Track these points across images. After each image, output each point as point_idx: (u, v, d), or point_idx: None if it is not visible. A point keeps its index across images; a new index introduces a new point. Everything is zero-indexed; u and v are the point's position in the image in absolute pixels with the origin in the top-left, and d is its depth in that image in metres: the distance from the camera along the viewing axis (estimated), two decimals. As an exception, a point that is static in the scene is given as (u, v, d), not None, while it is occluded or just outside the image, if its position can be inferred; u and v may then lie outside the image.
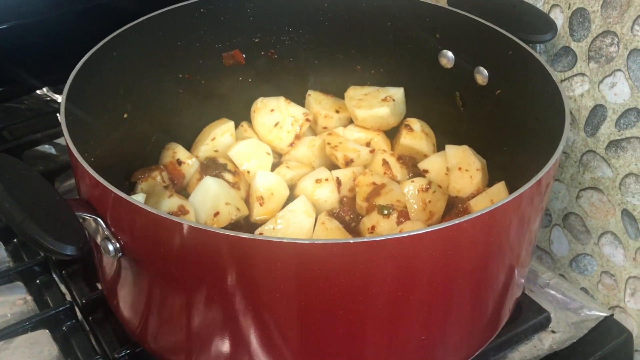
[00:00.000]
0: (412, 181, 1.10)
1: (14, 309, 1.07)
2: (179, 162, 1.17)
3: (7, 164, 0.83)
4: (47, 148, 1.38)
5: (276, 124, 1.21)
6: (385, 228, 1.05)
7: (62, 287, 1.10)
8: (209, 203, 1.07)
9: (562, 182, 1.18)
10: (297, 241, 0.73)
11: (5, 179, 0.78)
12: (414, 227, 1.03)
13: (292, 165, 1.18)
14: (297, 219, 1.06)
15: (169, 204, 1.04)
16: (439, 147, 1.21)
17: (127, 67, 1.09)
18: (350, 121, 1.25)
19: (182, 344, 0.89)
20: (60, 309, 1.04)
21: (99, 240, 0.83)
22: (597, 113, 1.08)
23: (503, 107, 1.09)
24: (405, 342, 0.85)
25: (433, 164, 1.15)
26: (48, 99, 1.51)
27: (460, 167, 1.11)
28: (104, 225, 0.81)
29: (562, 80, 1.13)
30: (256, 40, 1.23)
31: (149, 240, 0.79)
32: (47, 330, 1.03)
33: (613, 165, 1.08)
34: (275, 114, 1.21)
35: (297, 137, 1.21)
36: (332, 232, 1.05)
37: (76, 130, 0.89)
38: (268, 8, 1.21)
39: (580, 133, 1.12)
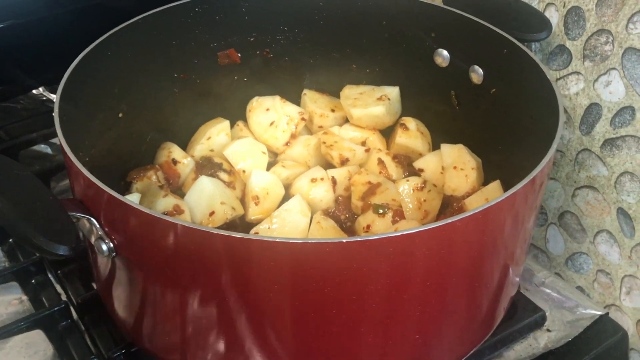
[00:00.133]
0: (407, 180, 1.10)
1: (9, 309, 1.07)
2: (175, 162, 1.17)
3: (0, 164, 0.83)
4: (43, 148, 1.38)
5: (272, 123, 1.21)
6: (380, 227, 1.05)
7: (58, 287, 1.10)
8: (204, 202, 1.07)
9: (558, 180, 1.18)
10: (290, 240, 0.73)
11: (-2, 179, 0.78)
12: (409, 226, 1.03)
13: (287, 165, 1.18)
14: (293, 219, 1.06)
15: (164, 203, 1.04)
16: (435, 146, 1.21)
17: (122, 66, 1.09)
18: (346, 120, 1.25)
19: (176, 343, 0.89)
20: (56, 308, 1.04)
21: (92, 240, 0.83)
22: (592, 111, 1.08)
23: (498, 105, 1.09)
24: (400, 340, 0.85)
25: (428, 163, 1.15)
26: (44, 98, 1.52)
27: (455, 166, 1.11)
28: (98, 225, 0.81)
29: (557, 79, 1.13)
30: (251, 39, 1.23)
31: (142, 240, 0.79)
32: (43, 330, 1.03)
33: (608, 163, 1.08)
34: (270, 113, 1.21)
35: (293, 136, 1.21)
36: (327, 232, 1.05)
37: (71, 129, 0.88)
38: (263, 7, 1.21)
39: (575, 132, 1.12)
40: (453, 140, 1.15)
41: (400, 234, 0.73)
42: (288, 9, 1.22)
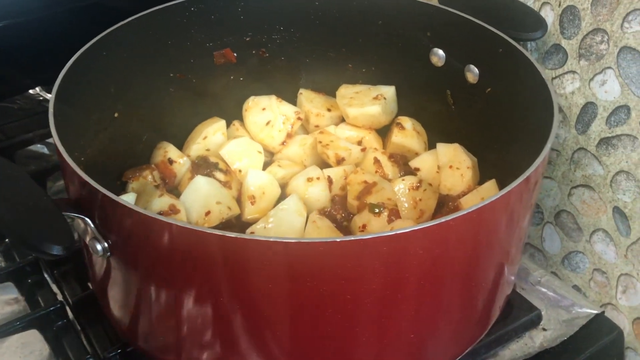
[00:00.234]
0: (403, 179, 1.10)
1: (5, 309, 1.07)
2: (170, 161, 1.16)
3: (-5, 164, 0.83)
4: (39, 148, 1.38)
5: (268, 123, 1.21)
6: (376, 226, 1.05)
7: (54, 287, 1.10)
8: (200, 202, 1.07)
9: (554, 179, 1.18)
10: (285, 240, 0.73)
11: (-8, 179, 0.78)
12: (404, 226, 1.03)
13: (283, 164, 1.18)
14: (289, 218, 1.05)
15: (160, 203, 1.04)
16: (430, 145, 1.21)
17: (118, 66, 1.09)
18: (342, 120, 1.25)
19: (172, 343, 0.89)
20: (51, 308, 1.04)
21: (87, 240, 0.82)
22: (588, 110, 1.08)
23: (493, 104, 1.09)
24: (395, 340, 0.85)
25: (424, 162, 1.15)
26: (41, 98, 1.51)
27: (451, 165, 1.11)
28: (92, 225, 0.81)
29: (552, 78, 1.13)
30: (247, 39, 1.23)
31: (137, 240, 0.79)
32: (38, 330, 1.03)
33: (604, 162, 1.08)
34: (266, 113, 1.21)
35: (289, 135, 1.21)
36: (323, 231, 1.05)
37: (66, 129, 0.88)
38: (259, 7, 1.20)
39: (571, 131, 1.12)
40: (449, 140, 1.15)
41: (394, 233, 0.73)
42: (284, 9, 1.21)
